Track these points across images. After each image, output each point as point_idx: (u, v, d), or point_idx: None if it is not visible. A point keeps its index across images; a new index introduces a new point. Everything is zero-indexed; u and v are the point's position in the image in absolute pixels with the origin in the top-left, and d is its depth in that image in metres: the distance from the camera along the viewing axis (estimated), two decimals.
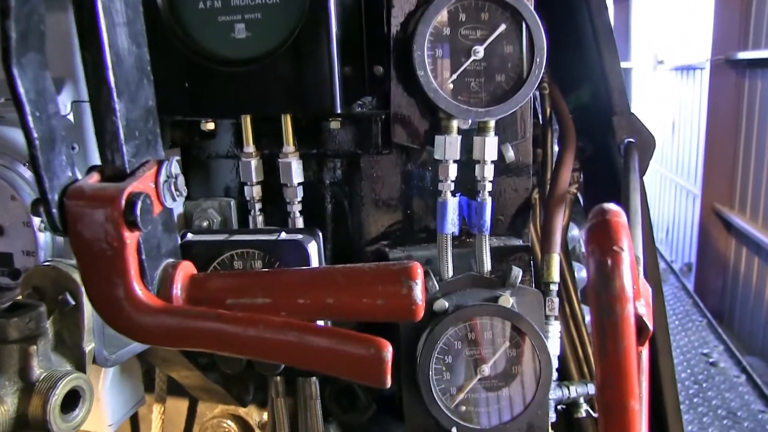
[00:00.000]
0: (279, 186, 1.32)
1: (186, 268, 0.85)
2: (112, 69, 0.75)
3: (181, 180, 0.81)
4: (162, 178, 0.79)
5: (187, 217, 1.40)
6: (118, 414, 1.24)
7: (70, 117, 1.17)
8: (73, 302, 0.95)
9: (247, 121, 1.27)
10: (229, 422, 1.69)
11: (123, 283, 0.75)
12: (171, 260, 0.84)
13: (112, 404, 1.25)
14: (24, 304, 0.92)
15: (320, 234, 1.22)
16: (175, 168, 0.81)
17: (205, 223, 1.38)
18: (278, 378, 1.37)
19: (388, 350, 0.69)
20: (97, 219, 0.72)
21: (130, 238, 0.74)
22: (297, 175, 1.28)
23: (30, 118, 0.69)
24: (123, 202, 0.72)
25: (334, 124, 1.30)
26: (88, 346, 0.97)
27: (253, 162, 1.28)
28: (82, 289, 0.94)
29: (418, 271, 0.78)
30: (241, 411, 1.72)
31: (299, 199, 1.29)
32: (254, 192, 1.30)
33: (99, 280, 0.75)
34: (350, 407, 1.54)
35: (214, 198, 1.44)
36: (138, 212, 0.72)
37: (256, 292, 0.82)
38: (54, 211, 0.73)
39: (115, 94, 0.76)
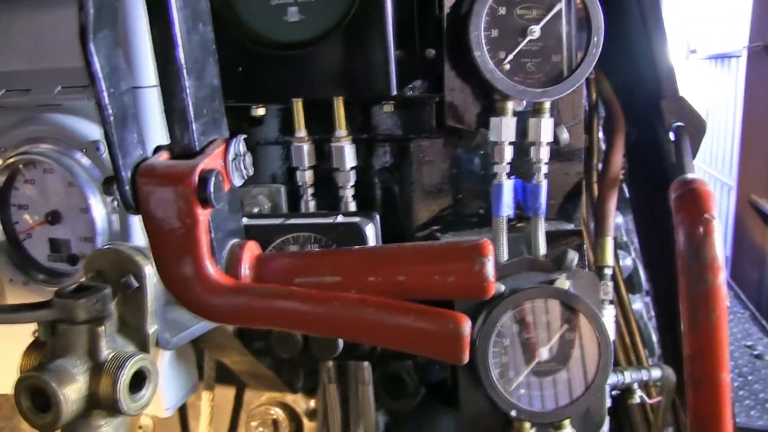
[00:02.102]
0: (326, 171, 1.32)
1: (252, 248, 0.84)
2: (181, 46, 0.75)
3: (249, 158, 0.81)
4: (230, 156, 0.79)
5: None
6: (174, 398, 1.25)
7: None
8: (136, 284, 0.95)
9: (299, 105, 1.27)
10: (277, 409, 1.70)
11: (195, 262, 0.74)
12: (237, 240, 0.84)
13: (168, 389, 1.25)
14: (89, 286, 0.92)
15: (377, 216, 1.22)
16: (243, 146, 0.81)
17: (255, 209, 1.38)
18: (330, 363, 1.37)
19: (467, 325, 0.68)
20: (169, 196, 0.72)
21: (202, 215, 0.74)
22: (350, 159, 1.27)
23: (105, 95, 0.69)
24: (196, 179, 0.72)
25: (387, 108, 1.29)
26: (151, 329, 0.97)
27: (306, 146, 1.28)
28: (145, 271, 0.94)
29: (490, 247, 0.77)
30: (288, 398, 1.72)
31: (352, 183, 1.29)
32: (306, 177, 1.29)
33: (170, 258, 0.75)
34: (398, 394, 1.53)
35: (264, 184, 1.44)
36: (211, 189, 0.72)
37: (324, 270, 0.81)
38: (126, 188, 0.73)
39: (184, 71, 0.76)
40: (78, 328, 0.90)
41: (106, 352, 0.91)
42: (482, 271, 0.76)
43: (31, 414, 0.86)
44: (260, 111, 1.33)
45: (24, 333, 1.27)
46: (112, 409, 0.89)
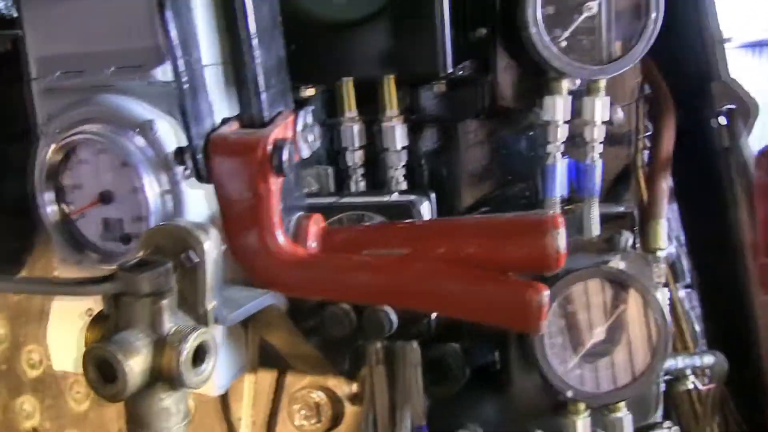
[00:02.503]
0: (371, 154, 1.31)
1: (318, 221, 0.84)
2: (252, 15, 0.75)
3: (317, 130, 0.81)
4: (299, 126, 0.78)
5: None
6: (225, 378, 1.24)
7: None
8: (196, 260, 0.95)
9: (349, 85, 1.26)
10: (319, 393, 1.70)
11: (266, 231, 0.74)
12: (302, 212, 0.84)
13: (221, 367, 1.25)
14: (151, 260, 0.93)
15: (433, 195, 1.21)
16: (311, 118, 0.80)
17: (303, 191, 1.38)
18: (378, 344, 1.36)
19: (546, 294, 0.68)
20: (242, 165, 0.72)
21: (274, 184, 0.73)
22: (401, 139, 1.26)
23: (181, 62, 0.69)
24: (270, 147, 0.72)
25: (439, 88, 1.28)
26: (209, 305, 0.97)
27: (356, 127, 1.27)
28: (205, 246, 0.94)
29: (561, 220, 0.76)
30: (330, 382, 1.72)
31: (403, 163, 1.28)
32: (356, 157, 1.28)
33: (241, 228, 0.75)
34: (441, 379, 1.52)
35: (311, 166, 1.43)
36: (285, 157, 0.72)
37: (392, 242, 0.81)
38: (199, 157, 0.73)
39: (255, 41, 0.75)
40: (141, 302, 0.90)
41: (168, 325, 0.91)
42: (554, 243, 0.75)
43: (97, 384, 0.87)
44: (309, 92, 1.32)
45: (77, 312, 1.29)
46: (175, 382, 0.90)
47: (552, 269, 0.76)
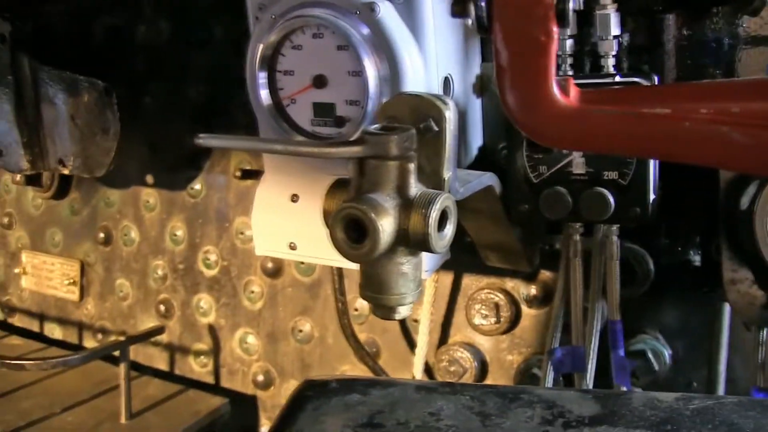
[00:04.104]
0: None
1: (573, 82, 0.83)
2: None
3: None
4: None
5: (484, 80, 1.39)
6: (432, 261, 1.27)
7: None
8: (436, 129, 0.96)
9: None
10: (498, 293, 1.72)
11: (544, 82, 0.74)
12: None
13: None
14: (394, 127, 0.94)
15: (656, 78, 1.17)
16: None
17: None
18: (577, 236, 1.35)
19: None
20: (528, 11, 0.71)
21: (556, 33, 0.73)
22: (615, 27, 1.22)
23: None
24: None
25: None
26: (446, 174, 0.98)
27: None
28: (447, 114, 0.95)
29: None
30: (508, 284, 1.73)
31: (614, 52, 1.24)
32: (566, 46, 1.26)
33: (520, 77, 0.75)
34: (624, 281, 1.49)
35: None
36: (570, 4, 0.71)
37: (653, 102, 0.79)
38: (483, 4, 0.73)
39: None
40: (389, 165, 0.92)
41: (414, 189, 0.93)
42: None
43: (346, 245, 0.90)
44: None
45: (284, 198, 1.33)
46: (420, 244, 0.92)
47: None
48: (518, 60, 0.73)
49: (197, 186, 2.18)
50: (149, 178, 2.26)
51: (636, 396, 0.81)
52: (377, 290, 0.96)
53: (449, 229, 0.94)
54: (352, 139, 1.19)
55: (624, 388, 1.38)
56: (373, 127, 0.94)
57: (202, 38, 2.03)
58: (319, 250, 1.25)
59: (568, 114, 0.74)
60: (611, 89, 0.84)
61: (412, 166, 0.92)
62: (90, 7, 2.13)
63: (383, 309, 0.97)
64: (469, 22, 1.06)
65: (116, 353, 2.04)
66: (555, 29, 0.72)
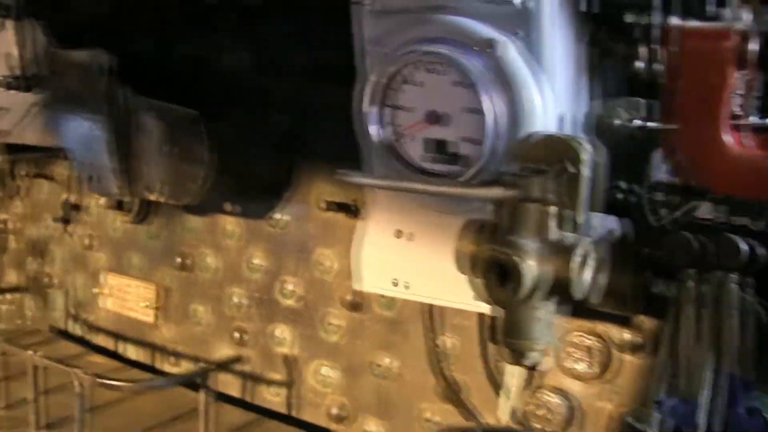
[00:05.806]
0: None
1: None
2: None
3: None
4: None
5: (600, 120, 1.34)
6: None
7: None
8: (573, 170, 0.93)
9: None
10: (590, 337, 1.67)
11: (722, 123, 0.71)
12: None
13: None
14: (536, 169, 0.92)
15: None
16: None
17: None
18: (692, 283, 1.30)
19: None
20: (709, 53, 0.69)
21: (735, 76, 0.70)
22: None
23: None
24: (737, 38, 0.68)
25: None
26: (583, 218, 0.95)
27: None
28: (583, 156, 0.92)
29: None
30: (599, 328, 1.68)
31: None
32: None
33: (695, 120, 0.72)
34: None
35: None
36: (753, 48, 0.68)
37: None
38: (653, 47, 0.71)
39: None
40: (531, 207, 0.90)
41: (554, 232, 0.91)
42: None
43: (493, 286, 0.87)
44: None
45: (389, 234, 1.32)
46: (563, 288, 0.89)
47: None
48: (693, 101, 0.70)
49: (278, 215, 2.18)
50: (227, 206, 2.26)
51: None
52: (511, 335, 0.93)
53: (590, 274, 0.91)
54: (468, 177, 1.17)
55: None
56: (513, 169, 0.92)
57: (283, 67, 2.03)
58: (432, 288, 1.22)
59: (747, 157, 0.71)
60: None
61: (552, 209, 0.90)
62: (174, 37, 2.16)
63: (515, 354, 0.94)
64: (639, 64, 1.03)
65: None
66: (733, 72, 0.69)
